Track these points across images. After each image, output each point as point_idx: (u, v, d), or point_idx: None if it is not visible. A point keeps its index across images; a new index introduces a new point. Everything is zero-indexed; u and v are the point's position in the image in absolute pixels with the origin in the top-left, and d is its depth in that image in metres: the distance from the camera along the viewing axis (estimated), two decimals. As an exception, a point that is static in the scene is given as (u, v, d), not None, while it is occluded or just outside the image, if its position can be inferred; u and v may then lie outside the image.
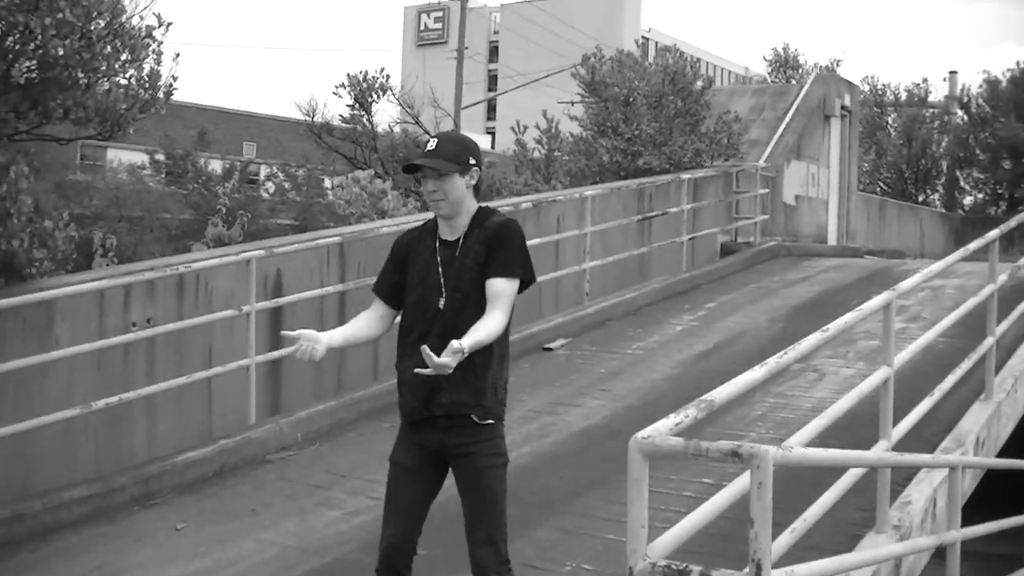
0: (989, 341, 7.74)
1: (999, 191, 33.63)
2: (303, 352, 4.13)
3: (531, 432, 8.46)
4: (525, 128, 16.85)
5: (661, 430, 3.38)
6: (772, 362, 4.18)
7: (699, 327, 12.05)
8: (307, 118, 20.64)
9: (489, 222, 4.28)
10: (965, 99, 33.15)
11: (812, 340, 4.55)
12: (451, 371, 3.86)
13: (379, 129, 19.43)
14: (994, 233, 7.86)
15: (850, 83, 22.70)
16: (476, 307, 4.17)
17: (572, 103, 51.41)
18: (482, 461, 4.22)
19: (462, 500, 4.25)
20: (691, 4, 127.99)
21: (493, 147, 43.17)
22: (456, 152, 4.29)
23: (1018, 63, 31.85)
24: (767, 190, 17.86)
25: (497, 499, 4.22)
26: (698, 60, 17.16)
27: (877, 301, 5.45)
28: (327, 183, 23.23)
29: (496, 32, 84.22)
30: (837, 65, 31.03)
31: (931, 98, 35.23)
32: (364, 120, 18.83)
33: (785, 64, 31.69)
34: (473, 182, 4.32)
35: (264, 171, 26.02)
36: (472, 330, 4.02)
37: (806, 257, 17.62)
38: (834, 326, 4.82)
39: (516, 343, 11.11)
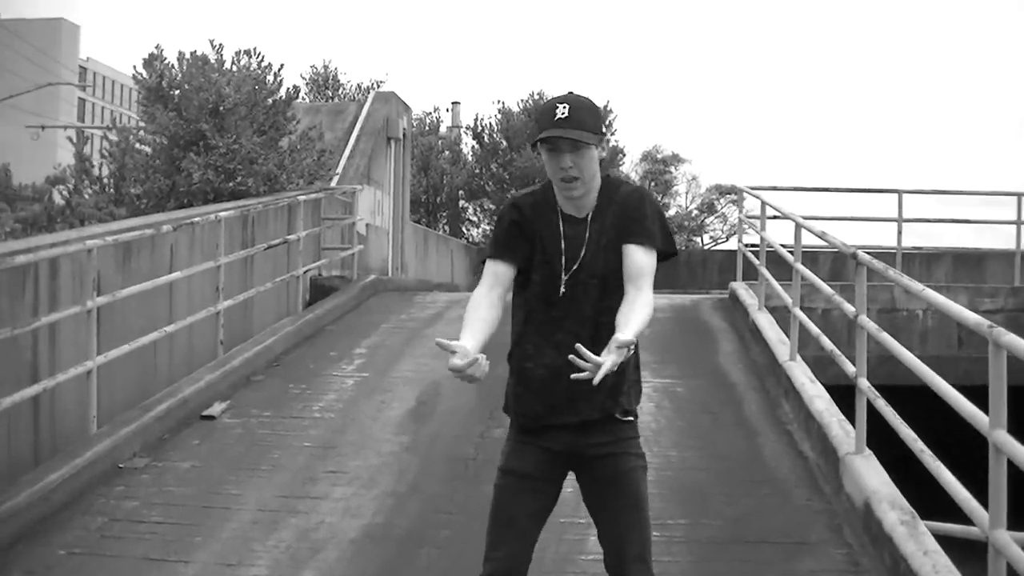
0: (864, 383, 6.49)
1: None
2: (477, 371, 3.25)
3: (293, 545, 6.02)
4: (105, 136, 13.70)
5: None
6: None
7: (373, 378, 9.96)
8: None
9: (618, 194, 3.61)
10: (479, 129, 33.01)
11: None
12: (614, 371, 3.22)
13: None
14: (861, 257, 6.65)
15: (407, 105, 21.36)
16: (615, 294, 3.51)
17: (43, 128, 46.43)
18: (628, 462, 3.58)
19: (599, 510, 3.60)
20: (134, 37, 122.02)
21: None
22: (593, 121, 3.53)
23: (531, 94, 32.17)
24: (361, 217, 15.99)
25: (645, 506, 3.59)
26: (281, 68, 14.76)
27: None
28: None
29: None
30: (379, 86, 29.63)
31: (443, 128, 34.91)
32: None
33: (327, 83, 29.77)
34: (604, 155, 3.73)
35: None
36: (626, 320, 3.35)
37: (407, 292, 16.04)
38: None
39: (169, 412, 8.48)
